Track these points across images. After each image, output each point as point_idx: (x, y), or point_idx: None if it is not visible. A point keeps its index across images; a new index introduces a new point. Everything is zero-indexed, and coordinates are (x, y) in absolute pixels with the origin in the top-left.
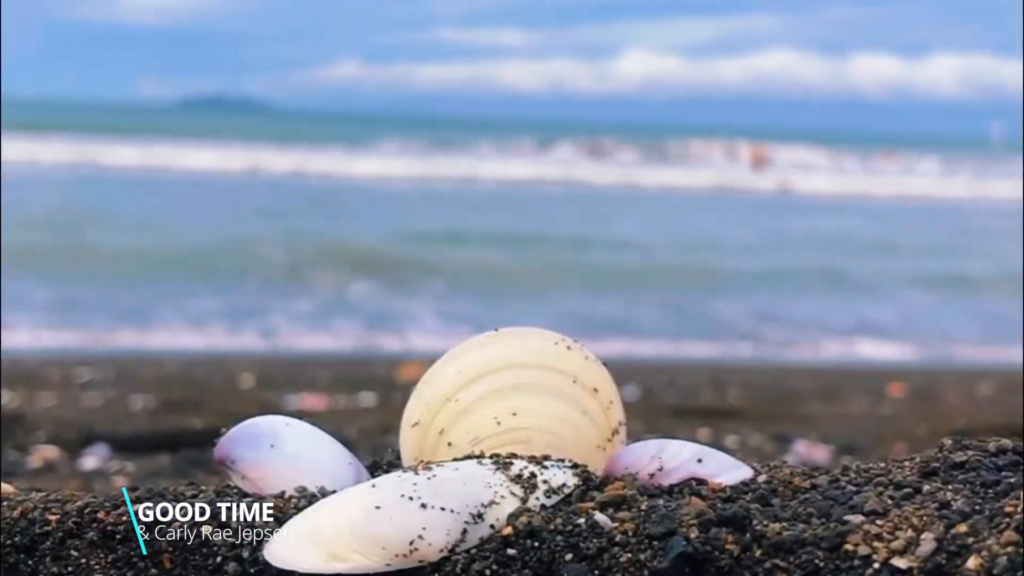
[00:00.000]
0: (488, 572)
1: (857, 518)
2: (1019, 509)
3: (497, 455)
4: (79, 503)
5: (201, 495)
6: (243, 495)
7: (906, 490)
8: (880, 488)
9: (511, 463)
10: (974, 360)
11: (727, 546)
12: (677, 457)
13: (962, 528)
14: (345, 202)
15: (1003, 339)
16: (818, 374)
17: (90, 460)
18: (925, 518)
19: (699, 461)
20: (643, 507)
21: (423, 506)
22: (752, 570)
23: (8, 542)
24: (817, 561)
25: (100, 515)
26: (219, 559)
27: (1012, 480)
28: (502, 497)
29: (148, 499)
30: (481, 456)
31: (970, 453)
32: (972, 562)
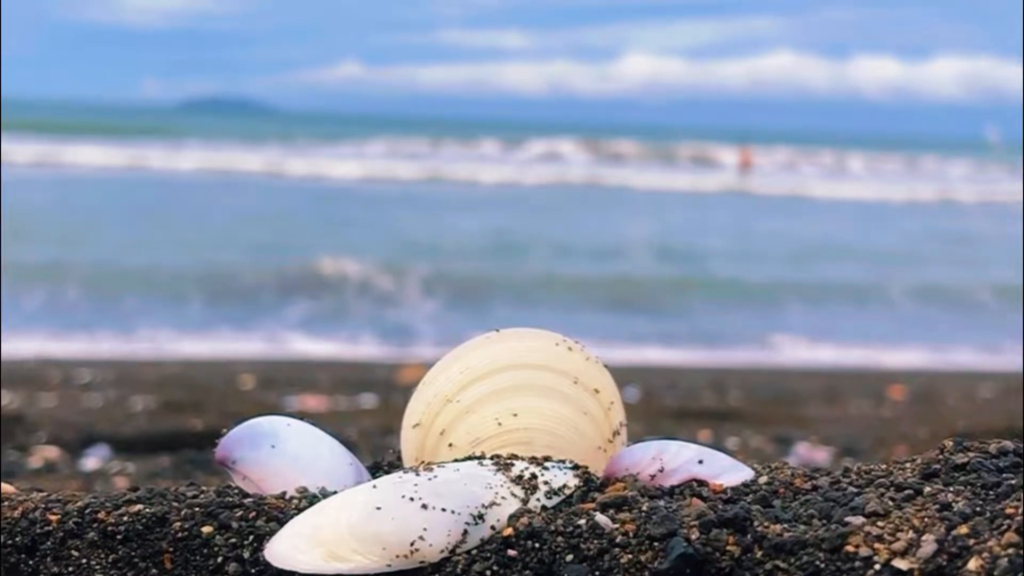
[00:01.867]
0: (489, 573)
1: (858, 519)
2: (1020, 511)
3: (498, 456)
4: (80, 503)
5: (202, 495)
6: (244, 495)
7: (907, 492)
8: (881, 490)
9: (512, 464)
10: (974, 363)
11: (728, 547)
12: (678, 458)
13: (963, 530)
14: (345, 204)
15: (1003, 341)
16: (818, 376)
17: (91, 460)
18: (926, 519)
19: (700, 462)
20: (644, 508)
21: (424, 507)
22: (753, 571)
23: (9, 542)
24: (818, 563)
25: (101, 515)
26: (220, 559)
27: (1013, 482)
28: (503, 498)
29: (149, 499)
30: (482, 457)
31: (971, 455)
32: (973, 563)
